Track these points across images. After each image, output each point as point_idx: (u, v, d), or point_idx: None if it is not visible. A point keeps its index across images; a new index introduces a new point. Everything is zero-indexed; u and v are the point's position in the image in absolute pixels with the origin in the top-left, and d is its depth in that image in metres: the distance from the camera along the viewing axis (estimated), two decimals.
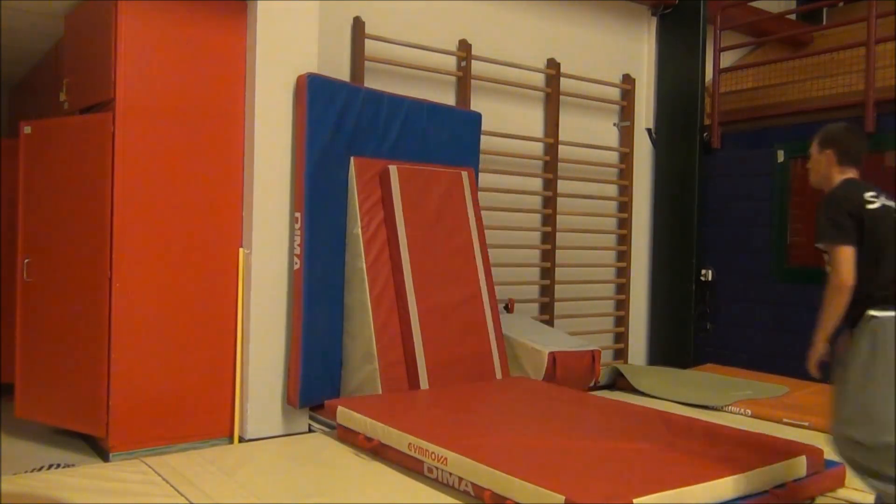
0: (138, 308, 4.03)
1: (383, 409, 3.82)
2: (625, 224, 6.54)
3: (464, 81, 5.51)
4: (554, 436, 3.52)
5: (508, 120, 5.78)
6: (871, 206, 2.66)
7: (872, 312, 2.62)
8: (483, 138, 5.30)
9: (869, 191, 2.71)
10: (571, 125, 6.15)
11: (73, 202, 4.22)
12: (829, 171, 2.84)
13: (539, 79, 6.03)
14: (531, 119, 5.99)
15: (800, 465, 3.17)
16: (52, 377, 4.30)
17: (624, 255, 6.53)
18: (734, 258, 6.20)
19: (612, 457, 3.20)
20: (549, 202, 6.00)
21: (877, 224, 2.65)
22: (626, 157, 6.53)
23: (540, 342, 5.02)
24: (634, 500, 2.60)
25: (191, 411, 4.19)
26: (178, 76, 4.15)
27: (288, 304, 4.34)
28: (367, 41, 4.99)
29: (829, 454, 3.38)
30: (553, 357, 4.89)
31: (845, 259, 2.62)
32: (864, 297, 2.64)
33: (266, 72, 4.28)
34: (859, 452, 2.62)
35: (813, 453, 3.26)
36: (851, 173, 2.81)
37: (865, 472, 2.62)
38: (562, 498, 2.61)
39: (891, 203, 2.73)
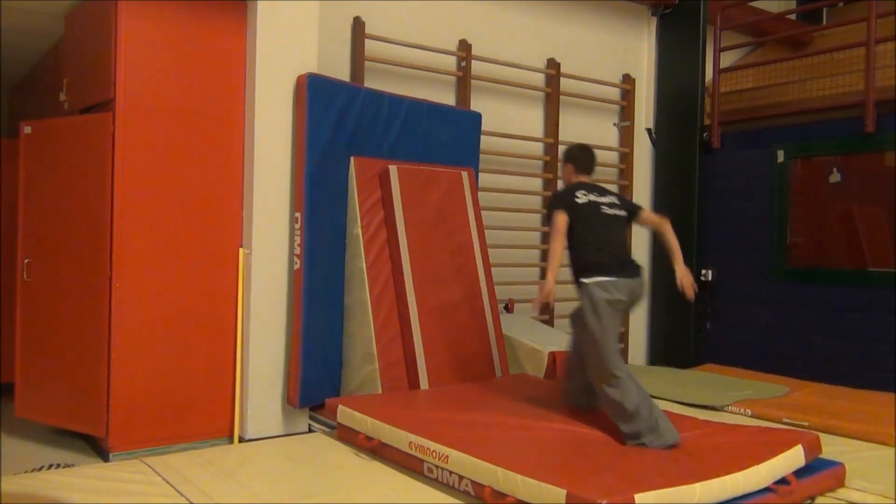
0: (138, 308, 4.03)
1: (383, 408, 3.82)
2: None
3: (464, 81, 5.51)
4: (555, 432, 3.52)
5: (508, 120, 5.78)
6: (578, 201, 3.69)
7: (583, 280, 3.60)
8: (483, 138, 5.30)
9: (582, 190, 3.74)
10: (571, 125, 6.15)
11: (73, 202, 4.22)
12: (570, 176, 3.93)
13: (539, 79, 6.03)
14: (531, 119, 6.00)
15: (798, 455, 3.17)
16: (52, 377, 4.30)
17: None
18: (734, 258, 6.20)
19: (614, 453, 3.20)
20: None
21: (583, 213, 3.67)
22: (626, 157, 6.53)
23: (540, 342, 5.02)
24: (636, 496, 2.60)
25: (191, 411, 4.19)
26: (178, 76, 4.15)
27: (288, 304, 4.34)
28: (367, 41, 4.99)
29: (830, 454, 3.39)
30: (553, 357, 4.89)
31: (560, 221, 3.66)
32: (580, 266, 3.66)
33: (266, 72, 4.28)
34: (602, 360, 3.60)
35: (809, 440, 3.27)
36: (584, 178, 3.88)
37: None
38: (563, 492, 2.60)
39: (598, 199, 3.74)
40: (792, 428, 3.88)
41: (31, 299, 4.40)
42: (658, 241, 6.62)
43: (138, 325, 4.03)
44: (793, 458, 3.15)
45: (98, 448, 4.18)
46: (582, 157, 3.94)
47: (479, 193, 5.17)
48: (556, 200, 3.81)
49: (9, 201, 5.17)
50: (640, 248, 6.63)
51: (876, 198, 5.49)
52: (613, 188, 6.54)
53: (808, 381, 5.25)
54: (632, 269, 3.69)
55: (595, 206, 3.72)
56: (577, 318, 3.69)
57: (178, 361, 4.15)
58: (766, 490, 3.01)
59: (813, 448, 3.26)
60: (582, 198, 3.71)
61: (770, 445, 3.21)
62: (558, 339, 5.19)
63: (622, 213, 3.81)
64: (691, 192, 6.35)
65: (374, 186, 4.59)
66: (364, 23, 4.98)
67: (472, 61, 5.52)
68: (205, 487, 3.10)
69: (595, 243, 3.65)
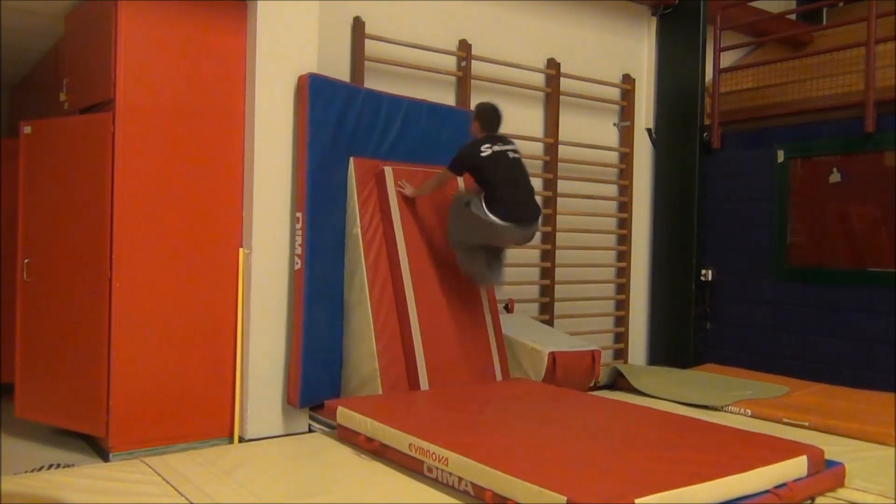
0: (138, 308, 4.04)
1: (383, 409, 3.82)
2: (625, 224, 6.54)
3: (464, 81, 5.51)
4: (554, 436, 3.51)
5: (508, 120, 5.71)
6: (483, 154, 4.29)
7: (483, 202, 4.27)
8: None
9: (486, 143, 4.33)
10: (571, 125, 6.15)
11: (73, 202, 4.22)
12: (478, 131, 4.47)
13: (539, 79, 6.03)
14: (531, 119, 6.00)
15: (801, 465, 3.17)
16: (52, 377, 4.30)
17: (624, 255, 6.53)
18: (734, 258, 6.20)
19: (613, 457, 3.20)
20: (549, 202, 6.00)
21: (488, 164, 4.29)
22: (626, 157, 6.53)
23: (540, 342, 5.01)
24: (636, 501, 2.60)
25: (191, 411, 4.19)
26: (178, 76, 4.15)
27: (288, 304, 4.34)
28: (367, 41, 4.99)
29: (830, 454, 3.40)
30: (553, 357, 4.89)
31: (445, 176, 4.49)
32: (488, 199, 4.26)
33: (266, 72, 4.28)
34: (457, 246, 4.55)
35: (814, 453, 3.26)
36: (489, 132, 4.44)
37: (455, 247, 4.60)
38: (563, 499, 2.60)
39: (502, 148, 4.35)
40: (794, 435, 3.87)
41: (31, 299, 4.40)
42: (657, 240, 6.63)
43: (138, 325, 4.03)
44: (795, 466, 3.15)
45: (98, 448, 4.18)
46: (488, 115, 4.49)
47: None
48: (460, 161, 4.38)
49: (9, 201, 5.17)
50: (640, 246, 6.64)
51: (876, 198, 5.49)
52: (613, 188, 6.56)
53: (808, 381, 5.26)
54: (531, 213, 4.39)
55: (502, 153, 4.34)
56: (457, 200, 4.47)
57: (178, 361, 4.15)
58: (766, 493, 3.01)
59: (816, 462, 3.25)
60: (487, 150, 4.29)
61: (774, 452, 3.20)
62: (558, 339, 5.19)
63: (520, 155, 4.50)
64: (691, 192, 6.35)
65: (374, 187, 4.59)
66: (364, 23, 4.98)
67: (472, 61, 5.52)
68: (205, 487, 3.10)
69: (502, 183, 4.28)
